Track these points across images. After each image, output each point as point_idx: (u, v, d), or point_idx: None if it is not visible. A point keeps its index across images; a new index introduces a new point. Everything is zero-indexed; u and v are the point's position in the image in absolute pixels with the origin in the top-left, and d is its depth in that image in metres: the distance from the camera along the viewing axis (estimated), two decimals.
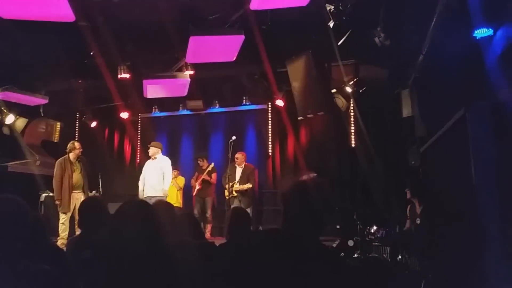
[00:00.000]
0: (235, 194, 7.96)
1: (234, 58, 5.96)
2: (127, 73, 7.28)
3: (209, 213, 8.51)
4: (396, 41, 5.89)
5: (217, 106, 9.88)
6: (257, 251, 1.93)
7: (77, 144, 7.33)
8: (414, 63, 5.98)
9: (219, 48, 5.79)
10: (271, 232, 2.09)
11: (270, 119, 9.59)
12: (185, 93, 7.54)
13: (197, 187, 8.64)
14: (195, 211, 8.47)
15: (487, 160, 2.25)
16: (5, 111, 8.84)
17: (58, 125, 10.48)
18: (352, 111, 8.33)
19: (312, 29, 6.62)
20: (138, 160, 10.64)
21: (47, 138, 10.37)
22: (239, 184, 7.97)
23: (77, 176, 7.17)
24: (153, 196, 7.08)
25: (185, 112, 10.09)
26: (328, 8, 5.84)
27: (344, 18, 5.90)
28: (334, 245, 6.54)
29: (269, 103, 9.47)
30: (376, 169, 7.40)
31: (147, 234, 1.96)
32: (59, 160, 7.27)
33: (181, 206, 8.69)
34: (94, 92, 9.41)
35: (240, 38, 5.45)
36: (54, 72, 7.98)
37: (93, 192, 8.66)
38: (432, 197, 3.94)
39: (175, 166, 9.38)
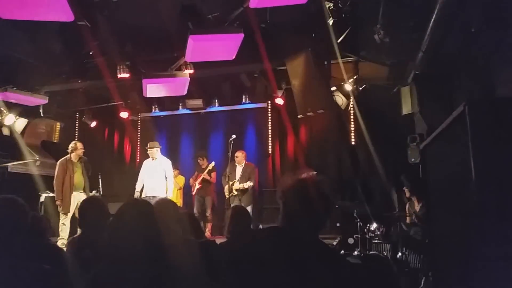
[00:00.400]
0: (235, 192, 7.96)
1: (234, 57, 5.96)
2: (126, 73, 7.28)
3: (209, 212, 8.52)
4: (395, 38, 5.88)
5: (216, 105, 9.88)
6: (257, 249, 1.93)
7: (79, 145, 7.31)
8: (414, 60, 5.97)
9: (219, 46, 5.78)
10: (271, 230, 2.09)
11: (270, 117, 9.59)
12: (185, 92, 7.53)
13: (197, 186, 8.64)
14: (195, 210, 8.47)
15: (486, 157, 2.24)
16: (5, 111, 8.84)
17: (58, 125, 10.49)
18: (351, 108, 8.33)
19: (311, 27, 6.61)
20: (138, 160, 10.64)
21: (47, 138, 10.38)
22: (239, 183, 7.97)
23: (78, 177, 7.16)
24: (153, 197, 7.08)
25: (185, 111, 10.09)
26: (327, 6, 5.83)
27: (343, 15, 5.90)
28: (334, 243, 6.55)
29: (269, 102, 9.48)
30: (376, 167, 7.39)
31: (148, 233, 1.96)
32: (60, 160, 7.25)
33: (181, 205, 8.69)
34: (93, 92, 9.41)
35: (240, 37, 5.44)
36: (54, 72, 7.98)
37: (93, 192, 8.67)
38: (431, 195, 3.94)
39: (174, 165, 9.38)
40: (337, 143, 8.52)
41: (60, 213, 6.96)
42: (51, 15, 4.72)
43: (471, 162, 2.26)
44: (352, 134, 8.44)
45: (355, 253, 5.94)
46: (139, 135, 10.85)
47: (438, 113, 5.16)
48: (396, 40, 5.91)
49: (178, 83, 7.18)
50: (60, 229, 6.91)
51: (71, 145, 7.32)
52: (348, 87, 7.58)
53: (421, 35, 5.29)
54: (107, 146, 10.88)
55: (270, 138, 9.55)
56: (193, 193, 8.76)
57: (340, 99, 7.84)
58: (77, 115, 10.78)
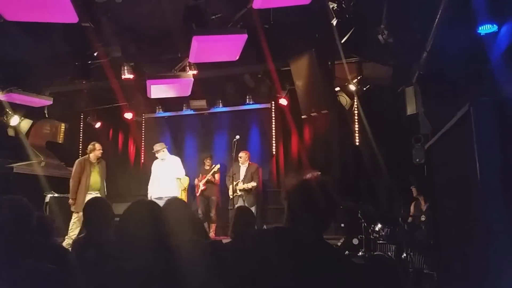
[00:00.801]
0: (239, 193, 7.96)
1: (237, 58, 5.96)
2: (130, 74, 7.30)
3: (213, 213, 8.52)
4: (399, 38, 5.86)
5: (220, 106, 9.90)
6: (262, 249, 1.93)
7: (97, 146, 7.33)
8: (418, 60, 5.95)
9: (222, 47, 5.79)
10: (275, 230, 2.09)
11: (273, 118, 9.60)
12: (189, 93, 7.54)
13: (201, 187, 8.65)
14: (199, 211, 8.48)
15: (491, 157, 2.23)
16: (10, 112, 8.89)
17: (63, 126, 10.54)
18: (356, 109, 8.32)
19: (315, 28, 6.60)
20: (142, 161, 10.68)
21: (52, 139, 10.42)
22: (243, 183, 7.97)
23: (95, 177, 7.19)
24: (163, 197, 7.09)
25: (189, 111, 10.11)
26: (331, 6, 5.82)
27: (347, 16, 5.88)
28: (339, 244, 6.53)
29: (273, 102, 9.48)
30: (380, 167, 7.38)
31: (155, 234, 1.96)
32: (79, 160, 7.30)
33: None
34: (98, 93, 9.44)
35: (243, 38, 5.44)
36: (58, 73, 8.01)
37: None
38: (437, 195, 3.93)
39: None
40: (341, 143, 8.51)
41: (73, 212, 7.01)
42: (56, 16, 4.74)
43: (476, 162, 2.26)
44: (356, 134, 8.43)
45: (360, 253, 5.92)
46: (143, 136, 10.88)
47: (442, 113, 5.14)
48: (400, 41, 5.89)
49: (182, 84, 7.19)
50: (70, 228, 6.95)
51: (90, 146, 7.35)
52: (352, 87, 7.57)
53: (425, 35, 5.28)
54: (112, 147, 10.90)
55: (274, 139, 9.55)
56: (198, 194, 8.77)
57: (344, 99, 7.83)
58: (82, 116, 10.83)
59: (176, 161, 7.77)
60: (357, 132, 8.41)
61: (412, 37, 5.83)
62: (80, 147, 10.89)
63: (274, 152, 9.50)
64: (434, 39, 5.06)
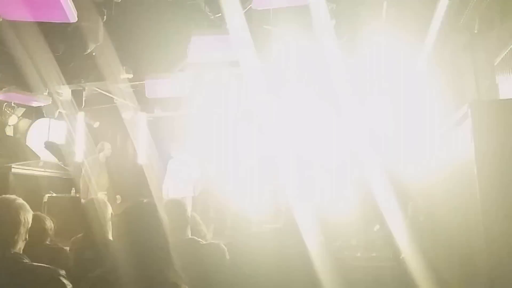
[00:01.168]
0: None
1: (236, 58, 5.95)
2: (129, 73, 7.29)
3: (211, 213, 8.50)
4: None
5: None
6: (260, 250, 1.93)
7: (106, 145, 7.27)
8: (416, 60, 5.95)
9: (221, 47, 5.78)
10: (273, 231, 2.09)
11: None
12: (188, 93, 7.54)
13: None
14: (198, 211, 8.46)
15: (489, 157, 2.24)
16: (8, 112, 8.87)
17: (61, 126, 10.51)
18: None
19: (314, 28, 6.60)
20: (140, 161, 10.64)
21: (50, 139, 10.39)
22: None
23: (105, 177, 7.08)
24: (180, 197, 7.06)
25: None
26: (329, 7, 5.82)
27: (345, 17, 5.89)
28: (337, 244, 6.52)
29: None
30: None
31: (153, 234, 1.96)
32: (87, 159, 7.18)
33: None
34: (96, 92, 9.42)
35: (242, 38, 5.43)
36: (57, 73, 7.99)
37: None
38: (436, 195, 3.93)
39: None
40: None
41: None
42: (54, 16, 4.73)
43: (474, 162, 2.26)
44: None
45: (358, 254, 5.91)
46: (141, 136, 10.84)
47: (441, 114, 5.15)
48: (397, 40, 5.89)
49: (181, 84, 7.19)
50: None
51: (99, 145, 7.27)
52: None
53: (423, 36, 5.28)
54: (110, 146, 10.87)
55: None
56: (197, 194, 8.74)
57: None
58: (80, 116, 10.78)
59: (191, 160, 7.70)
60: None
61: (410, 39, 5.83)
62: (79, 147, 10.85)
63: None
64: (433, 40, 5.07)
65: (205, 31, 5.54)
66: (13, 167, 8.62)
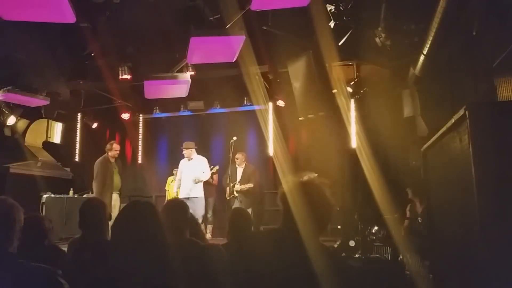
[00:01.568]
0: (236, 194, 7.96)
1: (235, 59, 5.96)
2: (128, 74, 7.29)
3: (210, 214, 8.51)
4: (396, 41, 5.88)
5: (218, 107, 9.91)
6: (258, 251, 1.93)
7: (115, 145, 7.13)
8: (415, 63, 5.97)
9: (220, 48, 5.79)
10: (272, 232, 2.09)
11: (271, 119, 9.59)
12: (186, 94, 7.54)
13: None
14: None
15: (487, 160, 2.24)
16: (7, 112, 8.87)
17: (60, 126, 10.52)
18: (353, 111, 8.32)
19: (312, 30, 6.61)
20: (139, 161, 10.66)
21: (49, 139, 10.40)
22: (240, 185, 7.97)
23: (116, 177, 6.98)
24: (190, 198, 7.03)
25: (186, 113, 10.11)
26: (328, 9, 5.84)
27: (344, 18, 5.90)
28: (335, 246, 6.53)
29: (270, 104, 9.48)
30: (377, 169, 7.38)
31: (151, 235, 1.96)
32: (99, 160, 7.02)
33: None
34: (95, 93, 9.42)
35: (241, 39, 5.44)
36: (55, 73, 8.00)
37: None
38: (432, 197, 3.94)
39: (177, 165, 9.39)
40: (338, 145, 8.52)
41: None
42: (53, 16, 4.73)
43: (472, 165, 2.26)
44: (353, 136, 8.43)
45: (356, 256, 5.93)
46: (140, 137, 10.87)
47: (439, 116, 5.17)
48: (397, 43, 5.91)
49: (180, 85, 7.19)
50: None
51: (108, 145, 7.13)
52: (349, 89, 7.58)
53: (422, 38, 5.30)
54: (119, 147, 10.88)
55: (271, 140, 9.55)
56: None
57: (341, 101, 7.84)
58: (79, 116, 10.80)
59: (203, 161, 7.66)
60: (354, 134, 8.41)
61: (409, 40, 5.85)
62: (77, 147, 10.86)
63: (271, 154, 9.50)
64: (431, 42, 5.08)
65: (204, 32, 5.54)
66: (11, 167, 8.62)
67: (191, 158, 7.64)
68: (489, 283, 2.19)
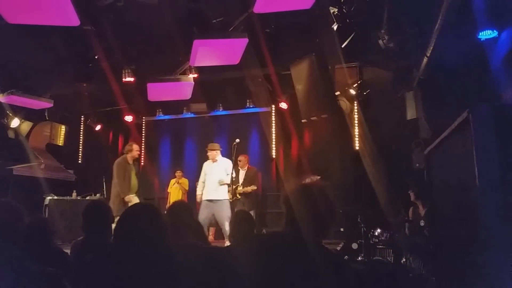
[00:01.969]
0: (238, 196, 7.94)
1: (238, 61, 5.97)
2: (131, 77, 7.31)
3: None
4: (400, 43, 5.88)
5: (221, 109, 9.93)
6: (261, 254, 1.93)
7: (135, 146, 6.99)
8: (419, 65, 5.97)
9: (223, 51, 5.80)
10: (274, 235, 2.09)
11: (273, 122, 9.60)
12: (189, 96, 7.54)
13: None
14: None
15: (490, 163, 2.23)
16: (10, 114, 8.91)
17: (63, 128, 10.55)
18: (356, 113, 8.32)
19: (315, 32, 6.62)
20: (142, 163, 10.67)
21: (52, 141, 10.43)
22: (243, 187, 7.96)
23: (134, 179, 6.83)
24: (214, 200, 6.98)
25: (189, 115, 10.13)
26: (332, 11, 5.85)
27: (347, 20, 5.91)
28: (338, 248, 6.52)
29: (273, 106, 9.49)
30: (380, 172, 7.37)
31: (154, 237, 1.96)
32: (118, 160, 6.88)
33: None
34: (98, 95, 9.46)
35: (244, 42, 5.45)
36: (59, 76, 8.03)
37: (97, 195, 8.69)
38: (436, 200, 3.93)
39: (179, 167, 9.40)
40: (341, 148, 8.51)
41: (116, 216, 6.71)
42: (57, 19, 4.75)
43: (475, 168, 2.26)
44: (356, 139, 8.42)
45: (359, 258, 5.91)
46: (143, 139, 10.89)
47: (442, 118, 5.15)
48: (400, 45, 5.91)
49: (183, 87, 7.20)
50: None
51: (127, 146, 7.00)
52: (352, 91, 7.58)
53: (425, 41, 5.30)
54: (112, 149, 10.90)
55: (274, 143, 9.56)
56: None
57: (344, 103, 7.84)
58: (82, 119, 10.84)
59: (228, 164, 7.36)
60: (357, 136, 8.40)
61: (412, 42, 5.85)
62: (80, 149, 10.89)
63: (274, 156, 9.50)
64: (435, 44, 5.08)
65: (207, 34, 5.56)
66: (14, 169, 8.65)
67: (216, 160, 7.35)
68: (492, 285, 2.19)
